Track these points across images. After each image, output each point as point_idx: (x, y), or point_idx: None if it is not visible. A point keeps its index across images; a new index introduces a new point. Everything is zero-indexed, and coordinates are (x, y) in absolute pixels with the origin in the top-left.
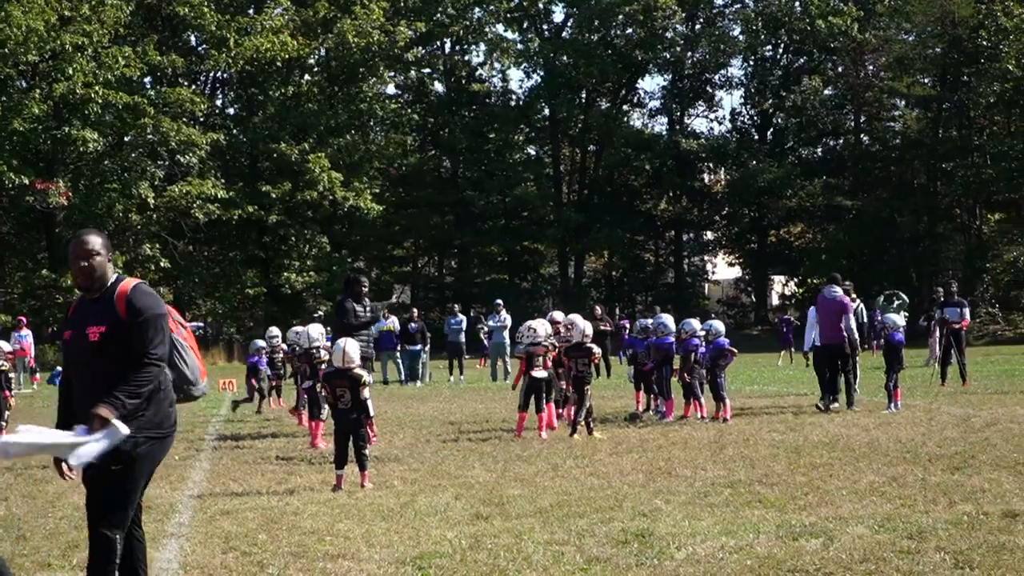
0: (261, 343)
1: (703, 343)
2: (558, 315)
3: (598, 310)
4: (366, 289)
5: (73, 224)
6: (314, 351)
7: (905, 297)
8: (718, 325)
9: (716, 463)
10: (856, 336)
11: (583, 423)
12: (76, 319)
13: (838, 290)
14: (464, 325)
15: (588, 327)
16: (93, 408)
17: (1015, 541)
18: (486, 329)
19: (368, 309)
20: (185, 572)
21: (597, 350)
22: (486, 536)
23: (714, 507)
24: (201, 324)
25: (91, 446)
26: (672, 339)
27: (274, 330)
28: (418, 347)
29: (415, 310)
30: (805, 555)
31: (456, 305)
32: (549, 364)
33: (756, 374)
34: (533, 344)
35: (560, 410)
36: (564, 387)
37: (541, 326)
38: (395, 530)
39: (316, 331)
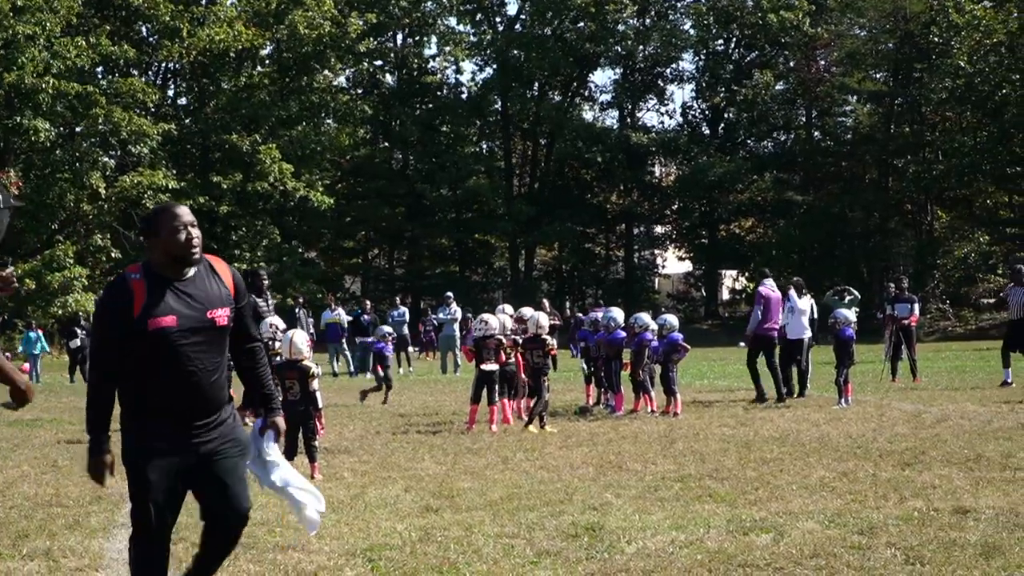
0: (388, 328)
1: (656, 337)
2: (509, 308)
3: (546, 304)
4: (267, 283)
5: (24, 214)
6: (268, 342)
7: (857, 293)
8: (672, 320)
9: (666, 457)
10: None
11: (538, 415)
12: (169, 303)
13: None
14: (407, 317)
15: (544, 319)
16: (274, 421)
17: (965, 537)
18: (428, 324)
19: (268, 309)
20: None
21: (552, 341)
22: (436, 529)
23: (664, 501)
24: None
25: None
26: (622, 333)
27: None
28: (371, 339)
29: (368, 302)
30: (755, 550)
31: (398, 297)
32: (503, 358)
33: (706, 369)
34: (485, 337)
35: (511, 402)
36: (522, 380)
37: (494, 319)
38: (345, 522)
39: (268, 322)
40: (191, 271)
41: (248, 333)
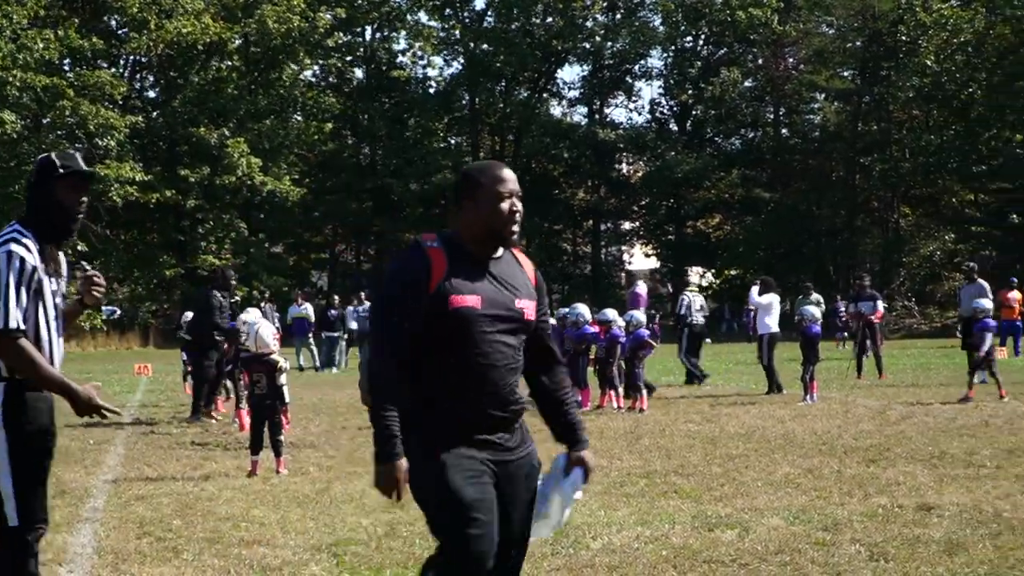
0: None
1: (623, 334)
2: None
3: None
4: (235, 283)
5: None
6: (238, 335)
7: (818, 296)
8: (639, 316)
9: (632, 453)
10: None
11: None
12: (474, 281)
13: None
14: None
15: None
16: (581, 456)
17: (929, 534)
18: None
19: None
20: (99, 557)
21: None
22: (401, 524)
23: (630, 497)
24: (116, 308)
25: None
26: (590, 329)
27: (190, 315)
28: (336, 334)
29: (335, 297)
30: (720, 546)
31: (363, 293)
32: None
33: (672, 365)
34: None
35: None
36: None
37: None
38: (310, 516)
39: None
40: (502, 249)
41: (546, 341)
